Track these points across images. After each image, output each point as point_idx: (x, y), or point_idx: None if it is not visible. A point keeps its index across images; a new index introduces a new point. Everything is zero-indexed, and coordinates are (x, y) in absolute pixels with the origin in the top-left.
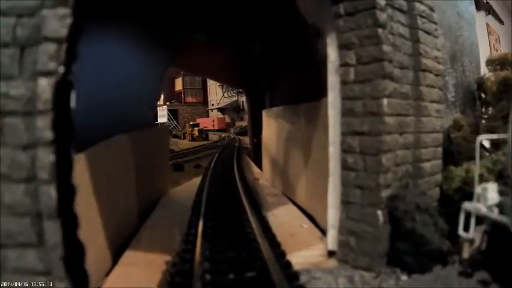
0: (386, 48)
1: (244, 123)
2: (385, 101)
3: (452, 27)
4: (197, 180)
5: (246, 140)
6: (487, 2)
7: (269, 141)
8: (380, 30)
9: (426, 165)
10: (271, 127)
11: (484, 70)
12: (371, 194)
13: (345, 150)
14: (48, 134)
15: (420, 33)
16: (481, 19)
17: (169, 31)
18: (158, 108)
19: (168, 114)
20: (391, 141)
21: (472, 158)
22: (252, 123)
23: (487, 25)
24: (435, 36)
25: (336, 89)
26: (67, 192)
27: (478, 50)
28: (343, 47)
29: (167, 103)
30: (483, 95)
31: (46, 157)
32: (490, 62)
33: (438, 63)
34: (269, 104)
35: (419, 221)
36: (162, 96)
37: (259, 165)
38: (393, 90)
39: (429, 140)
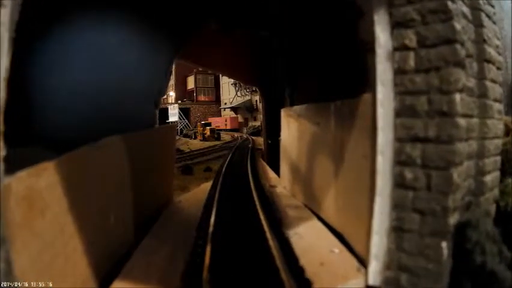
0: (458, 26)
1: (257, 123)
2: (458, 96)
3: (497, 17)
4: (207, 186)
5: (260, 140)
6: None
7: (289, 145)
8: (450, 3)
9: (488, 179)
10: (292, 128)
11: None
12: (435, 221)
13: (402, 161)
14: None
15: (483, 15)
16: None
17: (176, 17)
18: (169, 107)
19: (179, 113)
20: (463, 150)
21: None
22: (267, 123)
23: None
24: (494, 22)
25: (388, 81)
26: None
27: None
28: (399, 25)
29: (179, 101)
30: None
31: None
32: None
33: (499, 54)
34: (289, 103)
35: (489, 253)
36: (174, 95)
37: (274, 168)
38: (464, 83)
39: (492, 147)
